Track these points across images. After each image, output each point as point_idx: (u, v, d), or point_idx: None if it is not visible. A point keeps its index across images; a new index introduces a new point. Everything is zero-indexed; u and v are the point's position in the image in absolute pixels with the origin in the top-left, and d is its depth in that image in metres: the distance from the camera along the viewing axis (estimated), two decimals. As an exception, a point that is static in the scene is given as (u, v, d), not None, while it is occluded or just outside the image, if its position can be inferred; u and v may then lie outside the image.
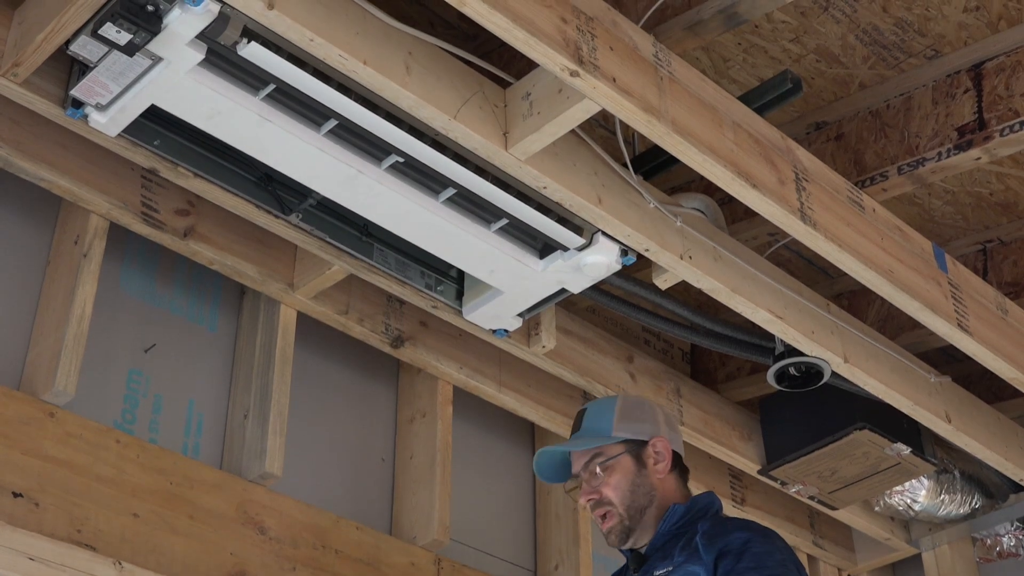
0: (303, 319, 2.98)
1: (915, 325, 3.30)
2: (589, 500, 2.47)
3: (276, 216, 2.70)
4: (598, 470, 2.47)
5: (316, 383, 3.08)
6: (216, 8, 2.18)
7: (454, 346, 3.17)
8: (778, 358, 3.20)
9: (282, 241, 2.86)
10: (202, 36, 2.25)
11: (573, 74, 2.28)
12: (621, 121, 2.51)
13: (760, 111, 2.78)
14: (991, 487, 4.05)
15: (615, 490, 2.45)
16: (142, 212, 2.68)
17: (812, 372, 3.19)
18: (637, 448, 2.49)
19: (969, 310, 3.10)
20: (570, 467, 2.54)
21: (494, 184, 2.61)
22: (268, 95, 2.39)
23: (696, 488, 2.60)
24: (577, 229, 2.73)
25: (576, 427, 2.58)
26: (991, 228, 3.50)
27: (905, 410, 3.32)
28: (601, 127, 3.11)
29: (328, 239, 2.77)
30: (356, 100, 2.40)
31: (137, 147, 2.52)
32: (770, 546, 2.31)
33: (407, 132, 2.47)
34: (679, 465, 2.53)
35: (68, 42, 2.31)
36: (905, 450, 3.65)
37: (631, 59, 2.41)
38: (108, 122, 2.43)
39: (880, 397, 3.27)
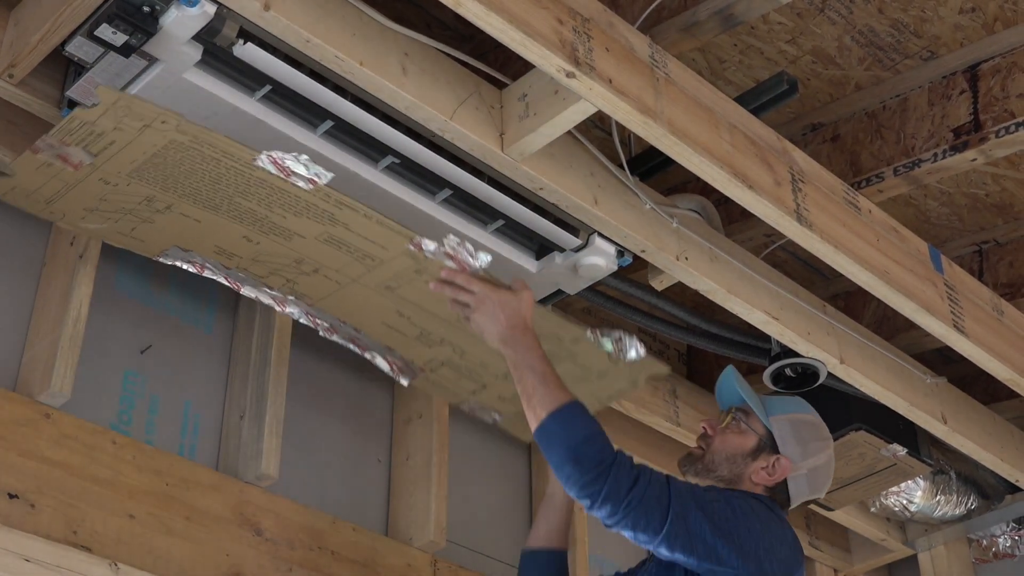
0: (297, 325, 2.98)
1: (911, 326, 3.30)
2: (704, 429, 2.62)
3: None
4: (731, 420, 2.58)
5: (312, 384, 3.08)
6: (212, 9, 2.18)
7: (450, 347, 3.17)
8: (774, 359, 3.20)
9: (278, 242, 2.86)
10: (198, 37, 2.25)
11: (569, 75, 2.28)
12: (617, 122, 2.51)
13: (756, 112, 2.78)
14: (987, 488, 4.05)
15: (722, 444, 2.56)
16: (138, 213, 2.68)
17: (808, 373, 3.19)
18: (767, 446, 2.53)
19: (965, 311, 3.10)
20: (734, 396, 2.64)
21: (490, 185, 2.61)
22: (264, 96, 2.39)
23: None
24: (573, 230, 2.73)
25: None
26: (987, 229, 3.50)
27: (901, 411, 3.32)
28: (597, 128, 3.11)
29: (324, 240, 2.77)
30: (352, 101, 2.40)
31: (133, 148, 2.52)
32: (712, 498, 2.38)
33: (403, 133, 2.47)
34: (780, 497, 2.55)
35: (64, 43, 2.31)
36: (901, 451, 3.66)
37: (627, 60, 2.41)
38: (104, 123, 2.43)
39: (876, 398, 3.27)
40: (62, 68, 2.45)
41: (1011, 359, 3.20)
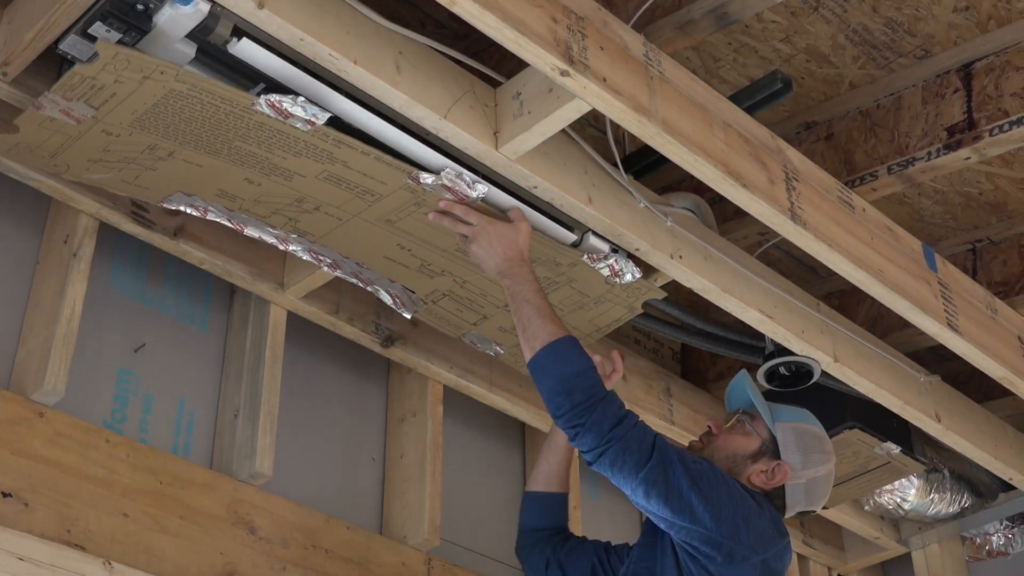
0: (293, 318, 2.98)
1: (905, 324, 3.31)
2: (709, 427, 2.63)
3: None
4: (735, 421, 2.60)
5: (306, 383, 3.07)
6: (206, 7, 2.18)
7: (445, 346, 3.17)
8: (768, 357, 3.21)
9: (272, 240, 2.86)
10: (192, 35, 2.24)
11: (563, 74, 2.28)
12: (611, 121, 2.51)
13: (750, 111, 2.78)
14: (980, 486, 4.06)
15: (725, 442, 2.58)
16: (132, 211, 2.67)
17: (802, 371, 3.19)
18: (769, 450, 2.55)
19: (959, 310, 3.11)
20: (744, 400, 2.66)
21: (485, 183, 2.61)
22: (259, 94, 2.38)
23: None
24: (568, 228, 2.73)
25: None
26: (981, 228, 3.51)
27: (895, 409, 3.33)
28: (591, 127, 3.11)
29: (318, 238, 2.77)
30: (347, 98, 2.40)
31: (127, 146, 2.52)
32: (695, 459, 2.43)
33: (398, 131, 2.47)
34: (777, 502, 2.57)
35: (58, 41, 2.31)
36: (895, 449, 3.66)
37: (621, 59, 2.41)
38: (98, 121, 2.43)
39: (870, 396, 3.27)
40: (56, 66, 2.44)
41: (1005, 357, 3.21)
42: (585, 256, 2.66)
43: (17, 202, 2.67)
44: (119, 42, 2.22)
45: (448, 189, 2.46)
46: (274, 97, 2.28)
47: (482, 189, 2.48)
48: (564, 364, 2.34)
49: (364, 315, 3.04)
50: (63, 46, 2.31)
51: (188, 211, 2.58)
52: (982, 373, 3.27)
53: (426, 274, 2.72)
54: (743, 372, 2.68)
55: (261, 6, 2.12)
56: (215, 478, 2.70)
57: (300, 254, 2.69)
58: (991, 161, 3.25)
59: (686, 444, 2.67)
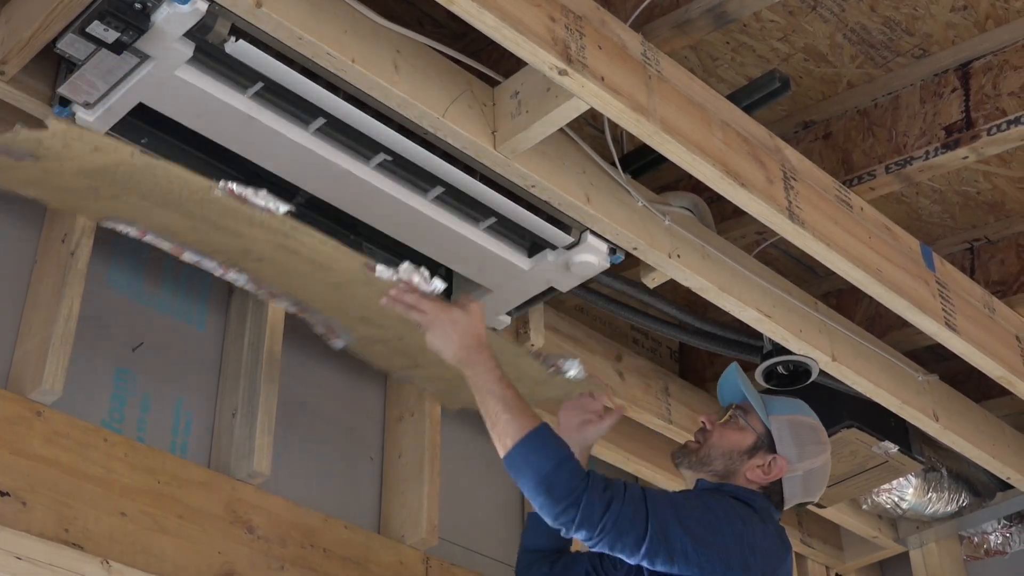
0: (291, 318, 2.98)
1: (903, 324, 3.31)
2: (703, 423, 2.59)
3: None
4: (729, 416, 2.57)
5: (304, 382, 3.07)
6: (204, 6, 2.18)
7: (443, 345, 3.17)
8: (766, 357, 3.21)
9: (270, 240, 2.86)
10: (190, 34, 2.24)
11: (562, 73, 2.28)
12: (610, 120, 2.51)
13: (748, 110, 2.78)
14: (978, 485, 4.06)
15: (719, 439, 2.54)
16: (130, 210, 2.67)
17: (800, 371, 3.19)
18: (764, 444, 2.53)
19: (957, 309, 3.11)
20: (736, 394, 2.63)
21: (482, 183, 2.61)
22: (256, 93, 2.38)
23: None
24: (565, 228, 2.73)
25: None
26: (978, 227, 3.51)
27: (893, 408, 3.33)
28: (589, 126, 3.11)
29: (316, 238, 2.77)
30: (344, 98, 2.40)
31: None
32: (692, 506, 2.37)
33: (395, 130, 2.47)
34: (775, 497, 2.54)
35: (55, 40, 2.31)
36: (893, 448, 3.66)
37: (620, 58, 2.41)
38: (95, 120, 2.43)
39: (868, 395, 3.27)
40: (54, 65, 2.44)
41: (1002, 357, 3.21)
42: (532, 355, 2.59)
43: (15, 201, 2.66)
44: (117, 41, 2.22)
45: (404, 284, 2.39)
46: (235, 186, 2.20)
47: (439, 285, 2.40)
48: (539, 460, 2.26)
49: (362, 314, 3.04)
50: (61, 45, 2.31)
51: (127, 231, 2.46)
52: (980, 372, 3.27)
53: (366, 323, 2.64)
54: (734, 365, 2.66)
55: (259, 5, 2.12)
56: (213, 477, 2.70)
57: (241, 283, 2.58)
58: (989, 160, 3.25)
59: (683, 443, 2.66)
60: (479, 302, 2.45)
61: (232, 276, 2.57)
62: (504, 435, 2.30)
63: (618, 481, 2.30)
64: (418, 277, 2.38)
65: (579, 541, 2.32)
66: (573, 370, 2.61)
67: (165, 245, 2.50)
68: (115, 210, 2.40)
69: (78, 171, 2.25)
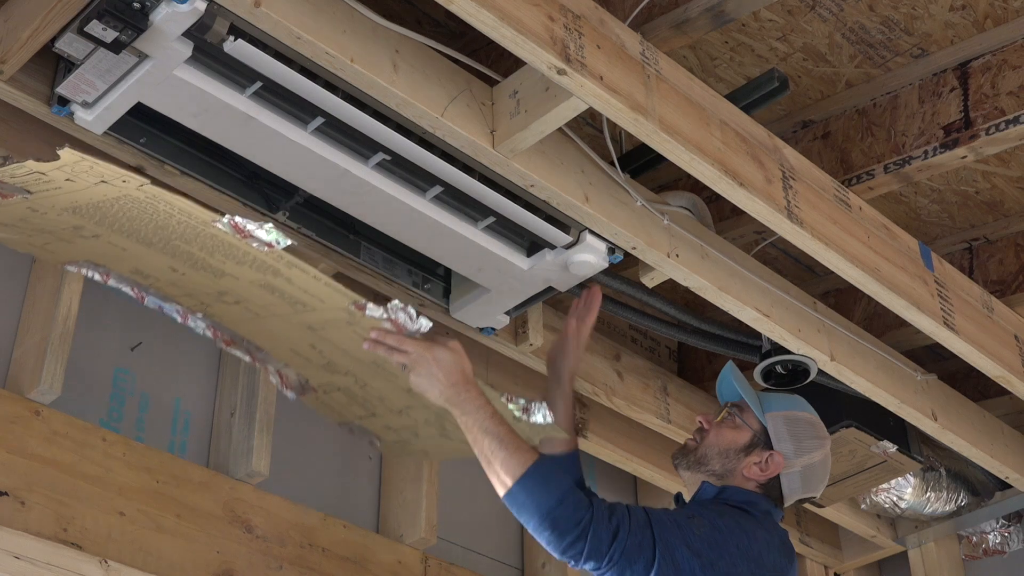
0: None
1: (901, 323, 3.31)
2: (700, 423, 2.57)
3: (263, 214, 2.70)
4: (725, 414, 2.55)
5: (303, 381, 3.07)
6: (203, 5, 2.18)
7: (441, 344, 3.17)
8: (765, 356, 3.21)
9: (269, 239, 2.85)
10: (189, 33, 2.24)
11: (560, 72, 2.28)
12: (608, 119, 2.51)
13: (747, 110, 2.78)
14: (977, 485, 4.06)
15: (716, 438, 2.53)
16: (128, 210, 2.67)
17: (799, 370, 3.19)
18: (761, 441, 2.51)
19: (955, 308, 3.11)
20: (733, 392, 2.62)
21: (481, 182, 2.61)
22: (255, 92, 2.38)
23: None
24: (564, 227, 2.73)
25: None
26: (977, 227, 3.51)
27: (891, 408, 3.33)
28: (588, 125, 3.11)
29: (315, 237, 2.77)
30: (343, 98, 2.40)
31: (123, 145, 2.52)
32: (696, 525, 2.33)
33: (394, 130, 2.47)
34: (774, 493, 2.53)
35: (54, 39, 2.31)
36: (891, 448, 3.66)
37: (618, 57, 2.41)
38: (94, 120, 2.43)
39: (866, 395, 3.27)
40: (52, 64, 2.44)
41: (1001, 356, 3.21)
42: (503, 397, 2.56)
43: (13, 200, 2.67)
44: (115, 40, 2.22)
45: (390, 321, 2.31)
46: (239, 219, 2.11)
47: (425, 324, 2.33)
48: (542, 496, 2.23)
49: (361, 314, 3.04)
50: (60, 44, 2.31)
51: (90, 275, 2.37)
52: (978, 372, 3.27)
53: (328, 371, 2.55)
54: (730, 364, 2.64)
55: (258, 4, 2.12)
56: (211, 477, 2.70)
57: (200, 330, 2.49)
58: (988, 160, 3.25)
59: (682, 443, 2.65)
60: (456, 339, 2.39)
61: (191, 323, 2.48)
62: (503, 473, 2.26)
63: (620, 506, 2.28)
64: (404, 316, 2.30)
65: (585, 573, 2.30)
66: (540, 416, 2.55)
67: (127, 290, 2.41)
68: (87, 252, 2.32)
69: (68, 207, 2.17)
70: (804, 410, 2.60)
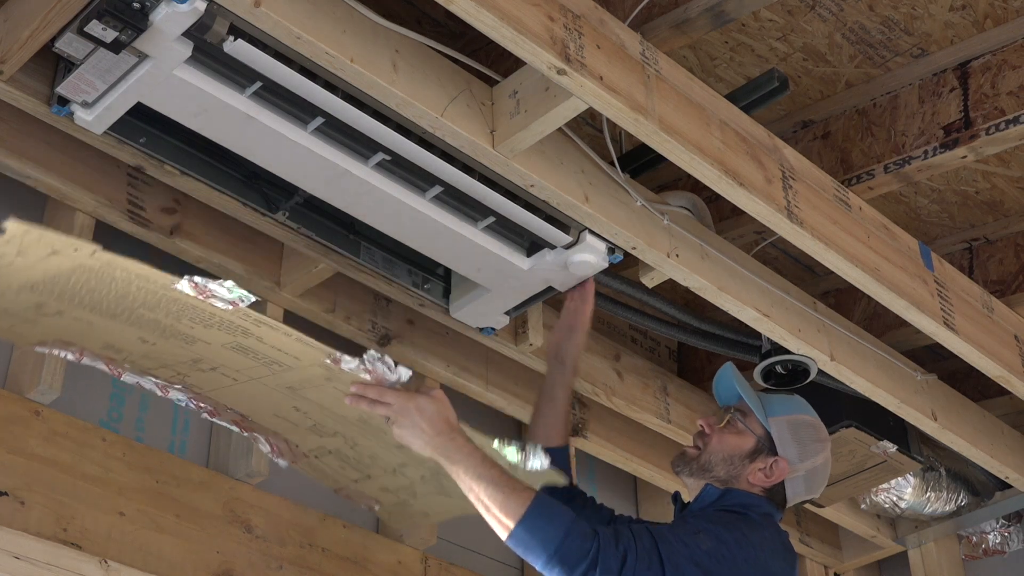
0: (290, 317, 2.98)
1: (901, 323, 3.31)
2: (701, 427, 2.56)
3: (263, 214, 2.70)
4: (727, 420, 2.54)
5: (303, 381, 3.07)
6: (203, 6, 2.18)
7: (441, 344, 3.17)
8: (765, 356, 3.21)
9: (269, 239, 2.86)
10: (188, 33, 2.24)
11: (560, 72, 2.28)
12: (608, 119, 2.51)
13: (747, 110, 2.78)
14: (977, 484, 4.06)
15: (719, 444, 2.51)
16: (128, 210, 2.67)
17: (799, 370, 3.19)
18: (765, 447, 2.51)
19: (955, 308, 3.11)
20: (732, 394, 2.61)
21: (481, 182, 2.61)
22: (255, 92, 2.38)
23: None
24: (564, 227, 2.73)
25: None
26: (977, 226, 3.51)
27: (891, 408, 3.33)
28: (588, 125, 3.11)
29: (315, 237, 2.77)
30: (343, 98, 2.40)
31: (123, 145, 2.52)
32: (702, 541, 2.32)
33: (394, 130, 2.47)
34: (778, 498, 2.53)
35: (54, 39, 2.31)
36: (891, 448, 3.66)
37: (618, 57, 2.41)
38: (94, 120, 2.43)
39: (866, 395, 3.27)
40: (52, 64, 2.44)
41: (1001, 356, 3.21)
42: (496, 443, 2.55)
43: (13, 200, 2.67)
44: (115, 40, 2.22)
45: (368, 372, 2.28)
46: (199, 279, 2.08)
47: (405, 373, 2.30)
48: (547, 534, 2.22)
49: (360, 313, 3.04)
50: (60, 44, 2.31)
51: (63, 355, 2.34)
52: (978, 371, 3.27)
53: (316, 433, 2.54)
54: (729, 366, 2.63)
55: (258, 4, 2.12)
56: (211, 477, 2.70)
57: (181, 403, 2.48)
58: (988, 160, 3.25)
59: (681, 450, 2.64)
60: (439, 388, 2.39)
61: (172, 395, 2.46)
62: (502, 515, 2.24)
63: (625, 531, 2.27)
64: (382, 366, 2.27)
65: None
66: (537, 462, 2.53)
67: (102, 367, 2.38)
68: (55, 331, 2.27)
69: (25, 284, 2.10)
70: (806, 413, 2.58)
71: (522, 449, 2.46)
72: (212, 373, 2.37)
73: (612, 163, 2.73)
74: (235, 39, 2.25)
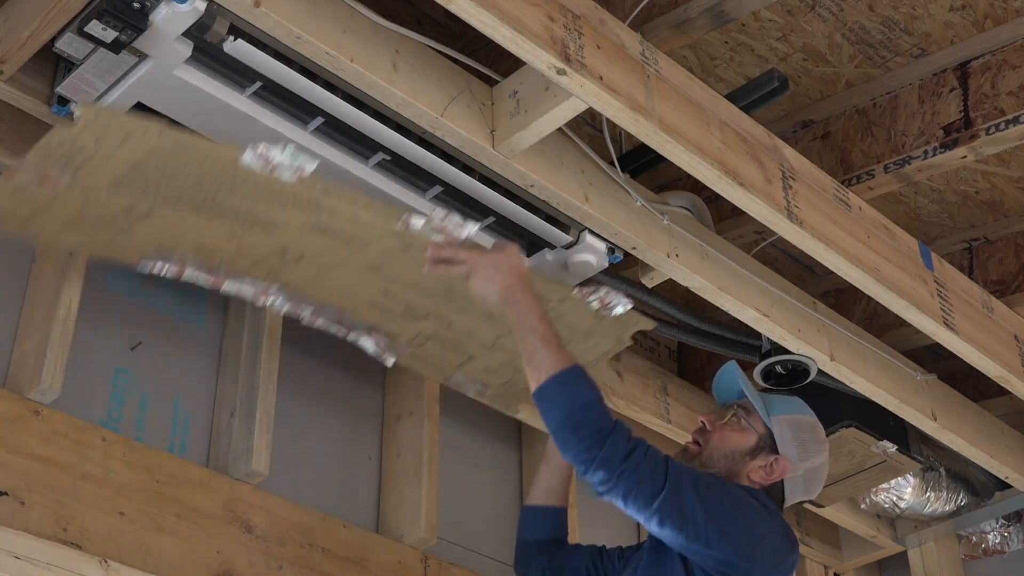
0: (290, 317, 2.98)
1: (901, 323, 3.31)
2: (702, 423, 2.58)
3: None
4: (730, 417, 2.56)
5: (303, 381, 3.07)
6: (203, 5, 2.18)
7: (441, 344, 3.17)
8: (765, 356, 3.21)
9: (269, 239, 2.86)
10: (188, 33, 2.24)
11: (560, 72, 2.28)
12: (608, 119, 2.51)
13: (747, 110, 2.78)
14: (976, 484, 4.06)
15: (721, 440, 2.54)
16: (128, 210, 2.67)
17: (799, 370, 3.19)
18: (766, 445, 2.53)
19: (955, 308, 3.11)
20: (733, 392, 2.63)
21: (481, 182, 2.61)
22: (255, 92, 2.38)
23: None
24: (564, 227, 2.73)
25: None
26: (977, 227, 3.51)
27: (891, 408, 3.33)
28: (588, 125, 3.11)
29: (315, 237, 2.77)
30: (343, 98, 2.40)
31: (123, 145, 2.52)
32: (710, 482, 2.38)
33: (394, 130, 2.47)
34: (776, 497, 2.55)
35: (54, 39, 2.31)
36: (891, 448, 3.66)
37: (618, 57, 2.41)
38: (94, 119, 2.43)
39: (866, 395, 3.27)
40: (52, 64, 2.44)
41: (1001, 356, 3.21)
42: (575, 291, 2.61)
43: (13, 200, 2.67)
44: (115, 40, 2.22)
45: (438, 231, 2.41)
46: (261, 147, 2.20)
47: (472, 228, 2.44)
48: (570, 396, 2.29)
49: (361, 314, 3.04)
50: (60, 44, 2.31)
51: (165, 269, 2.49)
52: (978, 372, 3.27)
53: (411, 317, 2.65)
54: (733, 364, 2.64)
55: (258, 4, 2.12)
56: (211, 477, 2.70)
57: (280, 305, 2.60)
58: (987, 160, 3.25)
59: (682, 444, 2.65)
60: (513, 243, 2.48)
61: (272, 299, 2.60)
62: (539, 369, 2.32)
63: (643, 439, 2.33)
64: (450, 222, 2.40)
65: (592, 485, 2.33)
66: (620, 306, 2.64)
67: (203, 279, 2.52)
68: (151, 237, 2.40)
69: (112, 183, 2.25)
70: (806, 414, 2.60)
71: (604, 295, 2.56)
72: (301, 264, 2.50)
73: (612, 163, 2.73)
74: (235, 39, 2.25)
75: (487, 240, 2.56)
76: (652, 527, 2.32)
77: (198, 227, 2.39)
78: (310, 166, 2.25)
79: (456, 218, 2.42)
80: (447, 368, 2.85)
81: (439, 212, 2.40)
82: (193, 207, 2.34)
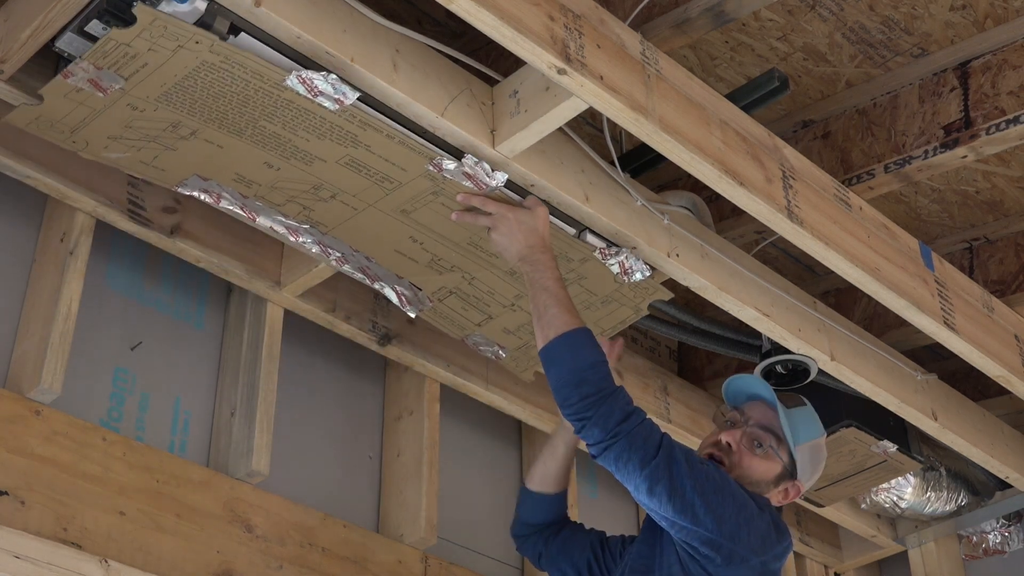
0: (290, 317, 2.98)
1: (901, 323, 3.31)
2: (728, 442, 2.55)
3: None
4: (759, 444, 2.54)
5: (303, 381, 3.07)
6: (203, 5, 2.18)
7: (441, 344, 3.17)
8: (765, 356, 3.21)
9: (269, 239, 2.86)
10: (189, 33, 2.24)
11: (560, 72, 2.28)
12: (608, 119, 2.51)
13: (747, 109, 2.78)
14: (977, 484, 4.06)
15: (749, 470, 2.52)
16: (129, 209, 2.67)
17: (799, 370, 3.19)
18: (788, 473, 2.55)
19: (955, 308, 3.11)
20: (745, 396, 2.63)
21: (481, 182, 2.61)
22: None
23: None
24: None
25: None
26: (977, 226, 3.51)
27: (891, 408, 3.33)
28: (588, 125, 3.11)
29: (315, 236, 2.77)
30: (343, 97, 2.40)
31: (123, 144, 2.52)
32: (712, 467, 2.42)
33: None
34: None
35: (54, 39, 2.31)
36: (891, 447, 3.66)
37: (618, 57, 2.41)
38: (94, 119, 2.43)
39: (866, 395, 3.27)
40: (52, 64, 2.44)
41: (1001, 356, 3.21)
42: (597, 252, 2.66)
43: (14, 200, 2.67)
44: (116, 39, 2.22)
45: (468, 177, 2.46)
46: (305, 73, 2.24)
47: (501, 177, 2.49)
48: (576, 355, 2.33)
49: (361, 313, 3.04)
50: (60, 44, 2.31)
51: (202, 197, 2.55)
52: (979, 371, 3.27)
53: (435, 270, 2.71)
54: (766, 385, 2.63)
55: (259, 4, 2.12)
56: (211, 476, 2.70)
57: (310, 246, 2.67)
58: (988, 160, 3.25)
59: (683, 445, 2.65)
60: (543, 205, 2.52)
61: (302, 238, 2.65)
62: (548, 327, 2.37)
63: (644, 411, 2.36)
64: (481, 170, 2.45)
65: (586, 445, 2.35)
66: (639, 273, 2.68)
67: (239, 211, 2.57)
68: (192, 160, 2.45)
69: (161, 96, 2.29)
70: (821, 433, 2.61)
71: (624, 259, 2.61)
72: (332, 202, 2.56)
73: (612, 163, 2.73)
74: (235, 37, 2.25)
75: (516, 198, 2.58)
76: (642, 495, 2.33)
77: (238, 153, 2.44)
78: (351, 96, 2.29)
79: (486, 166, 2.46)
80: (467, 326, 2.91)
81: (470, 158, 2.44)
82: (236, 130, 2.39)
